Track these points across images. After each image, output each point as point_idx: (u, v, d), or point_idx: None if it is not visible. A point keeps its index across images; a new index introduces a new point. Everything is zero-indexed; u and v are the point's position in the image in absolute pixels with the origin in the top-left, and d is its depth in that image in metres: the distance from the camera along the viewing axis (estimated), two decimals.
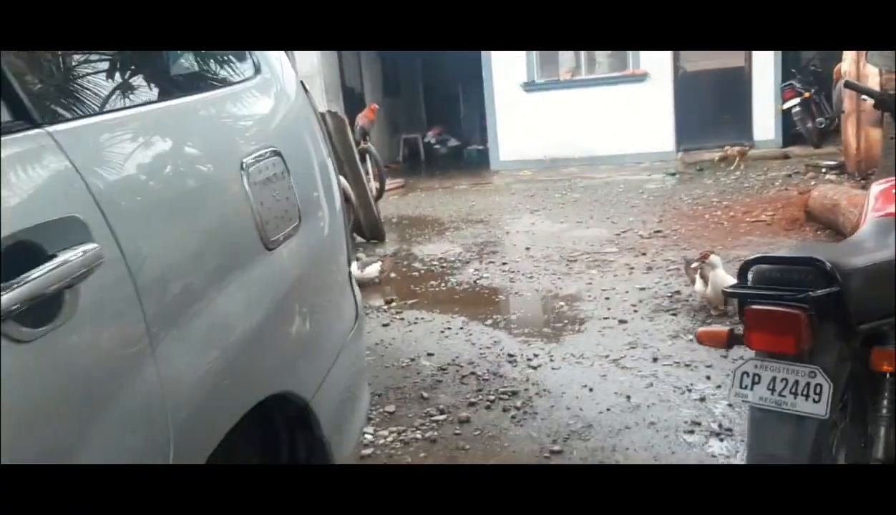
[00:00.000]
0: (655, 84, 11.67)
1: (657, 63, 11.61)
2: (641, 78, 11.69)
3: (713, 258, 4.70)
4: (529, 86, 12.14)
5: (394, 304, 5.54)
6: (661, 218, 7.64)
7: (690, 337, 4.36)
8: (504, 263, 6.46)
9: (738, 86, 11.49)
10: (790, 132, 11.41)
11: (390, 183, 11.45)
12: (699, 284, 4.76)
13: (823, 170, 9.07)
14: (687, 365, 3.97)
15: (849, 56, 8.31)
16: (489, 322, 4.96)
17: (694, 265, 4.87)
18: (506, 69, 12.08)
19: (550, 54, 12.06)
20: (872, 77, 7.22)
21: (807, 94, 11.11)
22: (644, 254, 6.30)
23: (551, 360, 4.21)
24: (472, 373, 4.10)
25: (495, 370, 4.13)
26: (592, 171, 11.33)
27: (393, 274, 6.42)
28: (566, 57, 12.06)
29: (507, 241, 7.52)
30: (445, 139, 15.40)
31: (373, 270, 6.12)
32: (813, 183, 8.47)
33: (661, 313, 4.85)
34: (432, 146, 15.31)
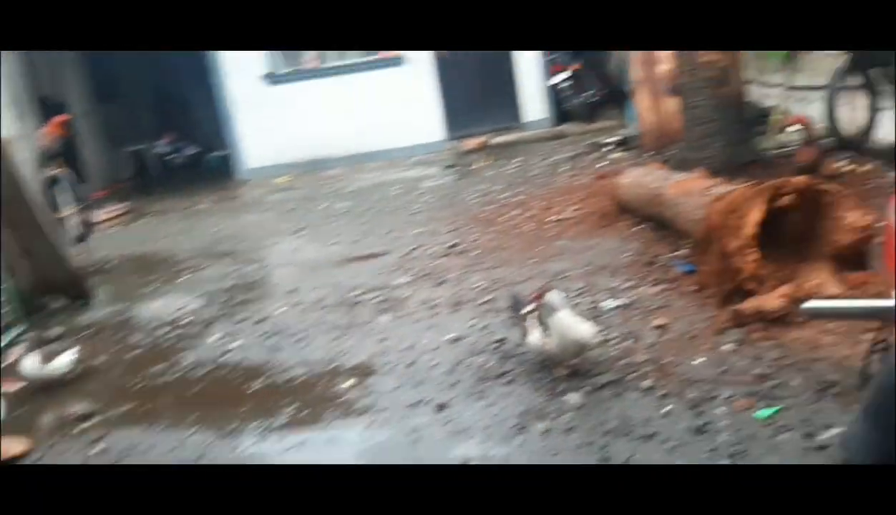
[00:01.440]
0: (414, 68, 10.37)
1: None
2: (396, 61, 10.33)
3: (551, 297, 3.35)
4: (271, 79, 10.32)
5: (93, 422, 3.62)
6: (451, 225, 6.28)
7: (545, 425, 2.97)
8: (261, 319, 4.73)
9: (502, 65, 10.52)
10: (561, 109, 10.69)
11: (110, 210, 9.16)
12: (535, 335, 3.39)
13: (606, 147, 8.27)
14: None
15: None
16: (242, 436, 3.25)
17: (526, 310, 3.48)
18: (239, 60, 10.15)
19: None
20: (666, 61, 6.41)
21: (575, 67, 10.40)
22: (444, 282, 4.88)
23: None
24: None
25: None
26: (360, 172, 9.83)
27: (99, 361, 4.43)
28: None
29: (264, 282, 5.77)
30: (181, 147, 13.07)
31: (62, 362, 4.11)
32: (604, 164, 7.61)
33: (491, 383, 3.42)
34: (165, 157, 12.95)
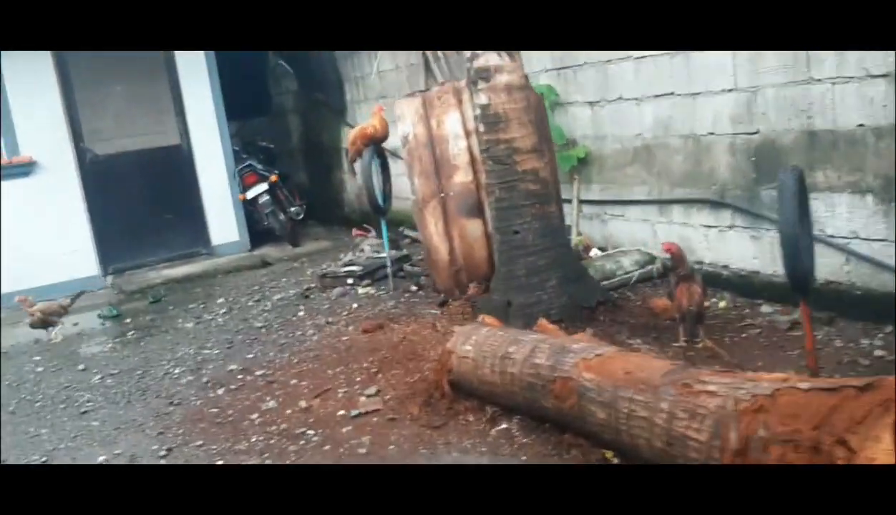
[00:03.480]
0: (50, 177, 7.42)
1: (47, 145, 7.38)
2: (25, 169, 7.28)
3: None
4: None
5: None
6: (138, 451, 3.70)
7: None
8: None
9: (178, 173, 8.03)
10: (256, 229, 8.47)
11: None
12: None
13: (350, 281, 6.27)
14: None
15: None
16: None
17: None
18: None
19: None
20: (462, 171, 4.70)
21: (272, 178, 8.31)
22: None
23: None
24: None
25: None
26: None
27: None
28: None
29: None
30: None
31: None
32: (360, 308, 5.58)
33: None
34: None
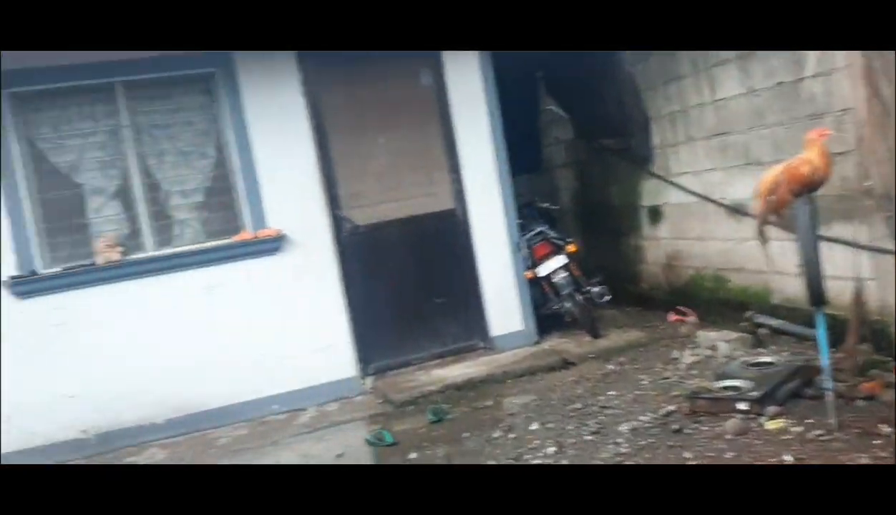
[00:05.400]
0: (301, 252, 5.88)
1: (299, 217, 5.87)
2: (272, 244, 5.80)
3: None
4: (24, 285, 5.35)
5: None
6: None
7: None
8: None
9: (451, 245, 6.25)
10: (538, 314, 6.49)
11: None
12: None
13: (742, 406, 4.01)
14: None
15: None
16: None
17: None
18: None
19: (69, 217, 5.57)
20: None
21: (570, 247, 6.33)
22: None
23: None
24: None
25: None
26: (198, 449, 5.02)
27: None
28: (105, 218, 5.64)
29: None
30: None
31: None
32: (799, 454, 3.32)
33: None
34: None
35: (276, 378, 5.77)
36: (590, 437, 4.29)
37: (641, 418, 4.40)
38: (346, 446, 4.90)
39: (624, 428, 4.31)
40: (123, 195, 5.63)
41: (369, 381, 6.02)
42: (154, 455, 5.23)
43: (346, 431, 5.28)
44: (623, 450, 4.02)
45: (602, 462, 3.91)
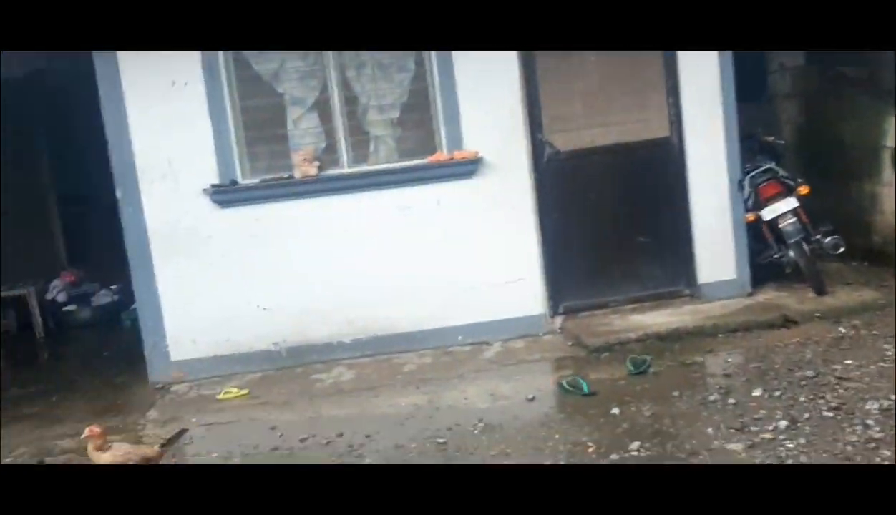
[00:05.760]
0: (497, 178, 5.49)
1: (496, 137, 5.46)
2: (468, 167, 5.45)
3: None
4: (224, 194, 5.37)
5: None
6: None
7: None
8: None
9: (662, 178, 5.64)
10: (754, 263, 5.77)
11: None
12: None
13: None
14: None
15: None
16: None
17: None
18: (170, 160, 5.30)
19: (269, 128, 5.49)
20: None
21: (801, 189, 5.53)
22: None
23: None
24: None
25: None
26: (385, 372, 4.89)
27: None
28: (303, 131, 5.52)
29: None
30: (87, 293, 8.08)
31: None
32: None
33: None
34: (62, 309, 7.93)
35: (462, 308, 5.50)
36: (829, 414, 3.67)
37: (892, 397, 3.71)
38: (537, 390, 4.56)
39: (872, 406, 3.65)
40: (322, 107, 5.46)
41: (559, 321, 5.62)
42: (341, 375, 5.17)
43: (535, 372, 4.95)
44: (874, 434, 3.38)
45: (847, 446, 3.31)
